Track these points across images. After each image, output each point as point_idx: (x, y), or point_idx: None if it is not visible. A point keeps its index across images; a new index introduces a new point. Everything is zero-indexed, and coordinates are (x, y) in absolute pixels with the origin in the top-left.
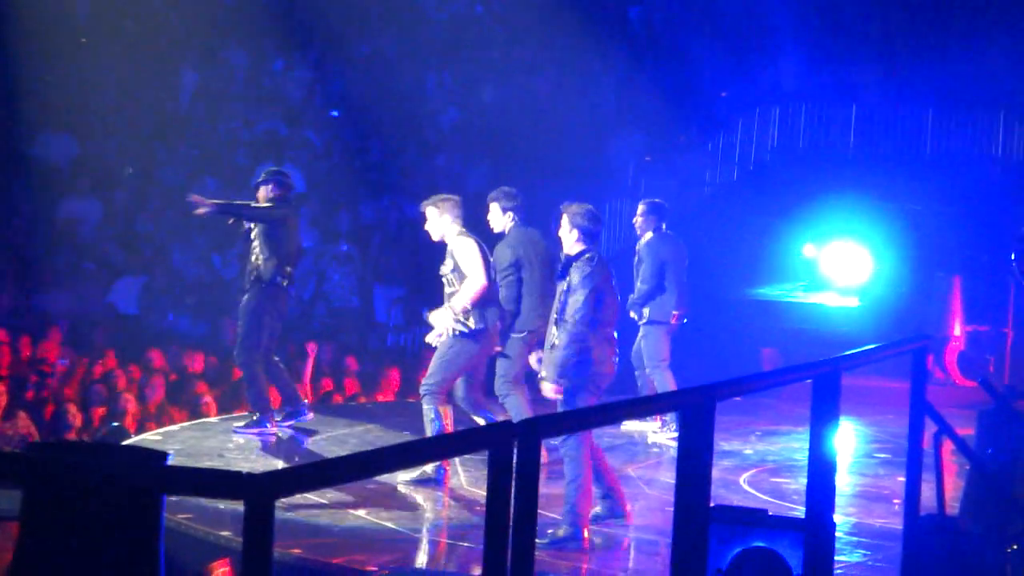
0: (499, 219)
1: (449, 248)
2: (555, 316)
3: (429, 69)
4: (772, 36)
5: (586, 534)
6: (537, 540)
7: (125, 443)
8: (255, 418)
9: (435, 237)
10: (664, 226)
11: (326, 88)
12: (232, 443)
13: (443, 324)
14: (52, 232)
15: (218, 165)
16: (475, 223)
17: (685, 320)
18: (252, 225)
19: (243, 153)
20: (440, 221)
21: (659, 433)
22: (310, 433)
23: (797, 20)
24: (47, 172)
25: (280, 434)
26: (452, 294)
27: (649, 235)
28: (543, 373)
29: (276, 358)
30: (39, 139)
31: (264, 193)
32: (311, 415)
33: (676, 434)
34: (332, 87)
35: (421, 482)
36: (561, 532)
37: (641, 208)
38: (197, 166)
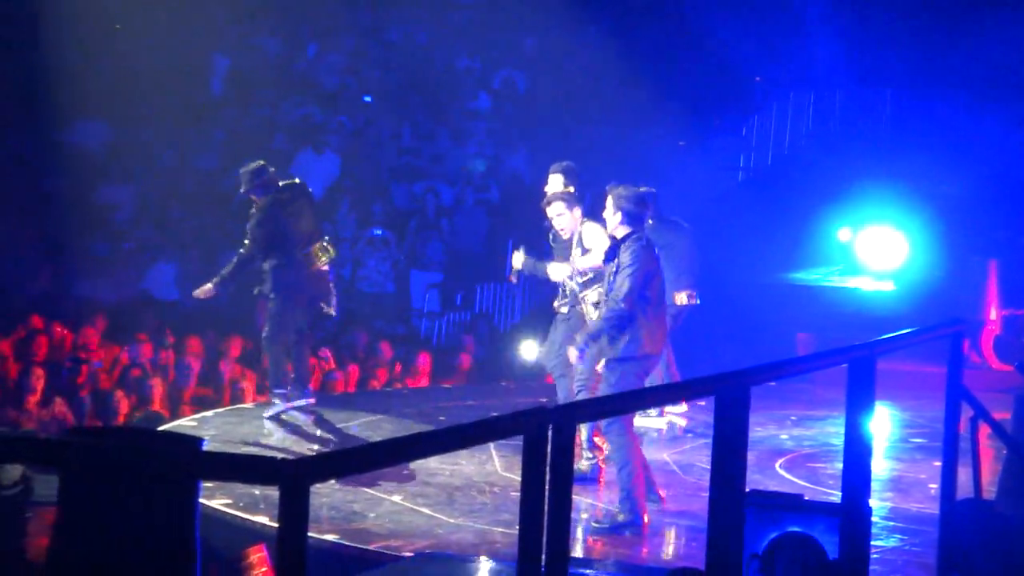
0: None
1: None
2: (602, 297)
3: (461, 55)
4: (806, 20)
5: (646, 519)
6: (596, 524)
7: (160, 429)
8: (277, 399)
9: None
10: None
11: (359, 74)
12: (267, 429)
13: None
14: (87, 218)
15: (253, 150)
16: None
17: (697, 301)
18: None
19: (280, 139)
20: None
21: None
22: (344, 419)
23: (831, 4)
24: (81, 158)
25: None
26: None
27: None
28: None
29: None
30: (73, 126)
31: (257, 200)
32: (313, 401)
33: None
34: (365, 73)
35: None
36: (620, 518)
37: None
38: (231, 151)
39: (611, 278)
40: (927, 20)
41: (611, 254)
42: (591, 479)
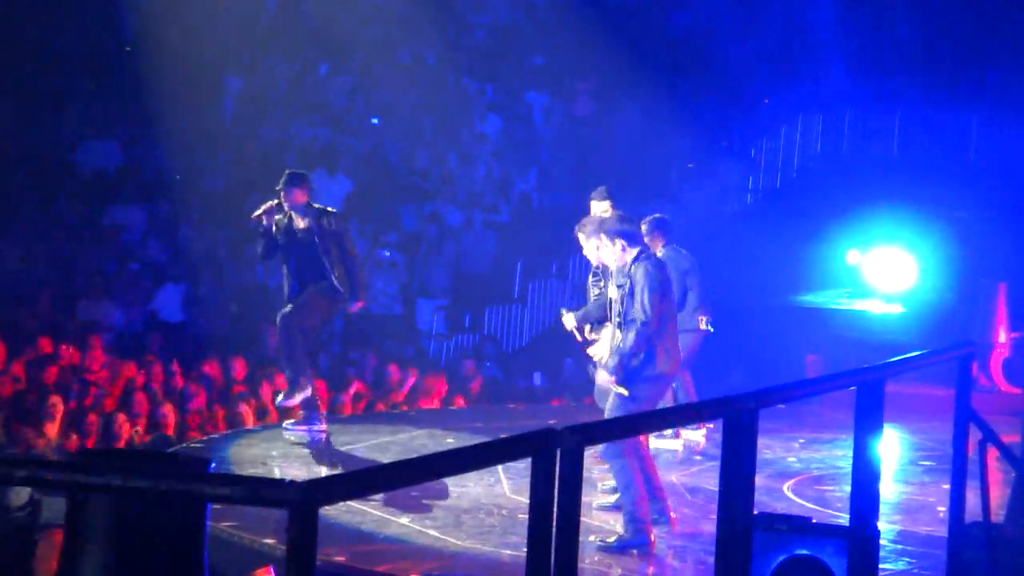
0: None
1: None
2: (618, 320)
3: (471, 77)
4: (815, 42)
5: (652, 537)
6: (603, 543)
7: (168, 451)
8: (307, 415)
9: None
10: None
11: (368, 95)
12: (275, 451)
13: None
14: (96, 239)
15: (265, 171)
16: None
17: (711, 328)
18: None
19: (291, 160)
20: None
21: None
22: (351, 441)
23: (840, 26)
24: (92, 180)
25: (291, 438)
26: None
27: (661, 250)
28: (601, 361)
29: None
30: (84, 147)
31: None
32: (324, 427)
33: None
34: (374, 94)
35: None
36: (626, 536)
37: (644, 228)
38: (241, 173)
39: (623, 301)
40: (937, 42)
41: (627, 275)
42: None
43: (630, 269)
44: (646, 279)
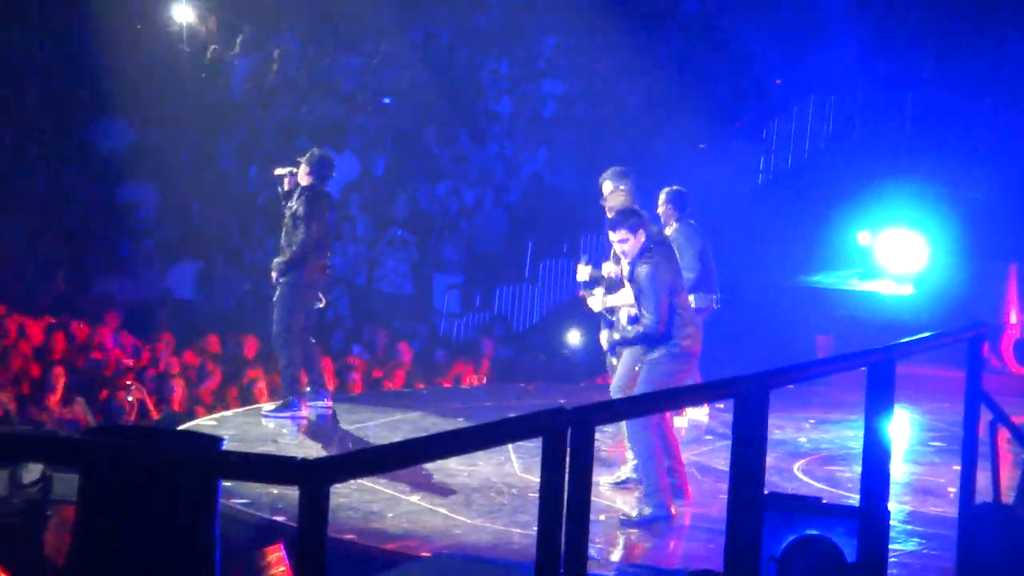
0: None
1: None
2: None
3: (483, 56)
4: (827, 23)
5: (673, 510)
6: (624, 518)
7: (180, 428)
8: (287, 401)
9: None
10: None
11: (379, 75)
12: (286, 428)
13: None
14: (109, 217)
15: (276, 150)
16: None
17: (717, 306)
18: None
19: (303, 139)
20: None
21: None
22: (362, 419)
23: (852, 7)
24: (104, 158)
25: (310, 417)
26: None
27: (674, 224)
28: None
29: (313, 340)
30: (96, 126)
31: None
32: (330, 403)
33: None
34: (385, 74)
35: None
36: (647, 511)
37: (662, 198)
38: (252, 152)
39: (636, 293)
40: (949, 21)
41: (631, 273)
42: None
43: (635, 266)
44: (650, 283)
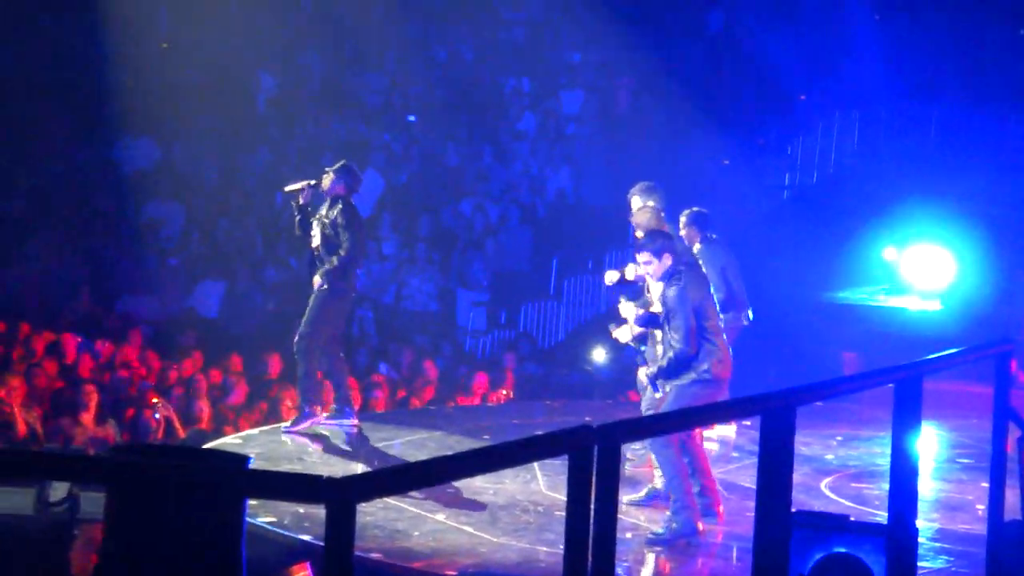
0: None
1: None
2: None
3: (507, 73)
4: (852, 38)
5: (700, 526)
6: (653, 535)
7: (206, 447)
8: (301, 411)
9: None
10: (711, 234)
11: (404, 92)
12: (312, 447)
13: None
14: (134, 235)
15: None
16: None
17: (747, 322)
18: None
19: (328, 157)
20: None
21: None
22: (388, 437)
23: (877, 22)
24: (129, 175)
25: (327, 433)
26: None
27: (698, 245)
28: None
29: (342, 355)
30: (121, 143)
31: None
32: (356, 421)
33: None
34: (410, 91)
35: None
36: (674, 527)
37: (683, 220)
38: (277, 169)
39: (664, 317)
40: (974, 36)
41: (661, 295)
42: (665, 495)
43: (665, 289)
44: (678, 304)
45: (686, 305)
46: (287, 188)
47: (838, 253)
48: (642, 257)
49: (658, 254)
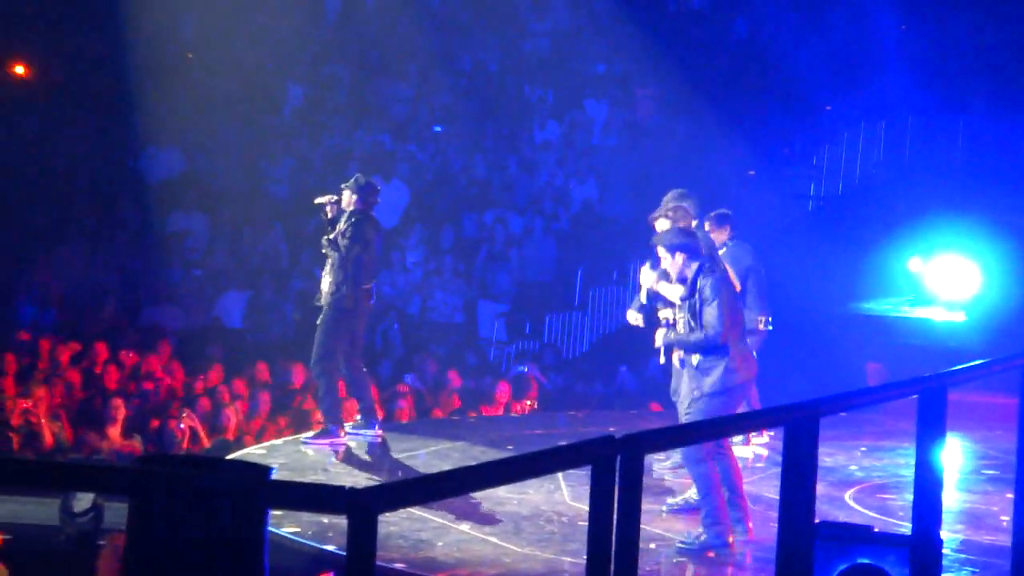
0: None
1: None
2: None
3: (531, 84)
4: (878, 49)
5: (731, 539)
6: (682, 545)
7: (229, 457)
8: (326, 428)
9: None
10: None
11: (429, 103)
12: (335, 457)
13: None
14: (159, 246)
15: (325, 179)
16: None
17: (771, 327)
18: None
19: (353, 168)
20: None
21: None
22: (411, 447)
23: (904, 33)
24: (154, 186)
25: (350, 443)
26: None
27: (726, 245)
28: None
29: (364, 368)
30: (146, 153)
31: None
32: (380, 432)
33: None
34: (435, 101)
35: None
36: (703, 538)
37: (708, 224)
38: (303, 180)
39: (692, 310)
40: (1000, 47)
41: (691, 289)
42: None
43: (697, 282)
44: (715, 294)
45: (721, 294)
46: (316, 201)
47: (863, 264)
48: (660, 251)
49: (672, 251)
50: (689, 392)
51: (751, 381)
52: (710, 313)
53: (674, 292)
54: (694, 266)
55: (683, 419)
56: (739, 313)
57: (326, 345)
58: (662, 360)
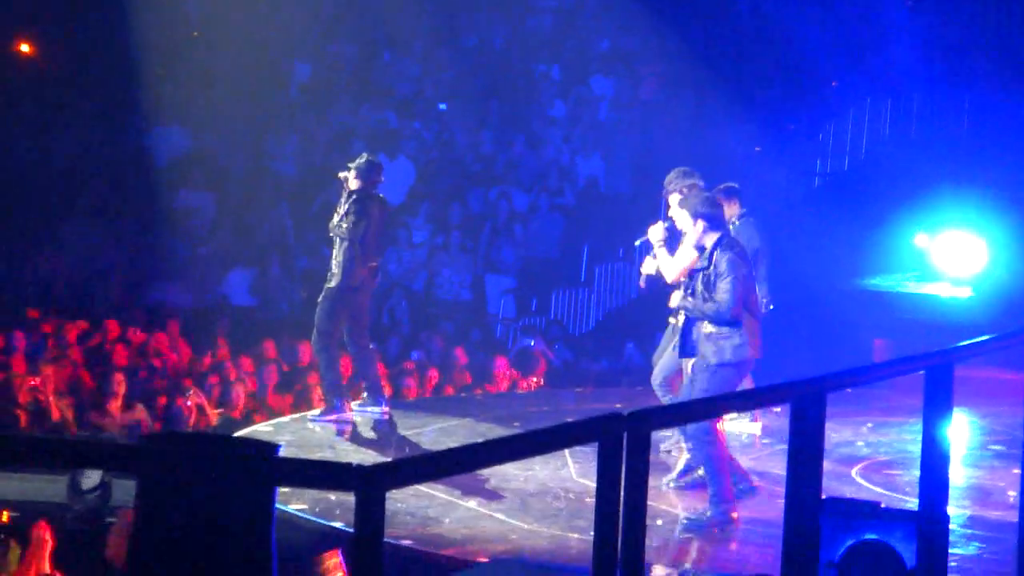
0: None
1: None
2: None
3: (537, 60)
4: (884, 24)
5: (734, 515)
6: (687, 520)
7: (237, 434)
8: (331, 405)
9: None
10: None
11: (435, 80)
12: (342, 434)
13: None
14: (166, 223)
15: (330, 156)
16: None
17: (772, 307)
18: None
19: (359, 145)
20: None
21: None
22: (419, 424)
23: (909, 8)
24: (161, 164)
25: (357, 420)
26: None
27: (736, 222)
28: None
29: (371, 345)
30: (153, 132)
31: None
32: (387, 409)
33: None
34: (441, 79)
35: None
36: (709, 514)
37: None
38: (309, 158)
39: (705, 282)
40: (1006, 21)
41: (708, 260)
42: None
43: (714, 255)
44: (731, 270)
45: (738, 270)
46: (340, 175)
47: (869, 240)
48: (680, 215)
49: (694, 216)
50: (698, 359)
51: (754, 360)
52: (723, 288)
53: (669, 265)
54: (714, 236)
55: (686, 385)
56: (753, 291)
57: (326, 322)
58: (642, 284)
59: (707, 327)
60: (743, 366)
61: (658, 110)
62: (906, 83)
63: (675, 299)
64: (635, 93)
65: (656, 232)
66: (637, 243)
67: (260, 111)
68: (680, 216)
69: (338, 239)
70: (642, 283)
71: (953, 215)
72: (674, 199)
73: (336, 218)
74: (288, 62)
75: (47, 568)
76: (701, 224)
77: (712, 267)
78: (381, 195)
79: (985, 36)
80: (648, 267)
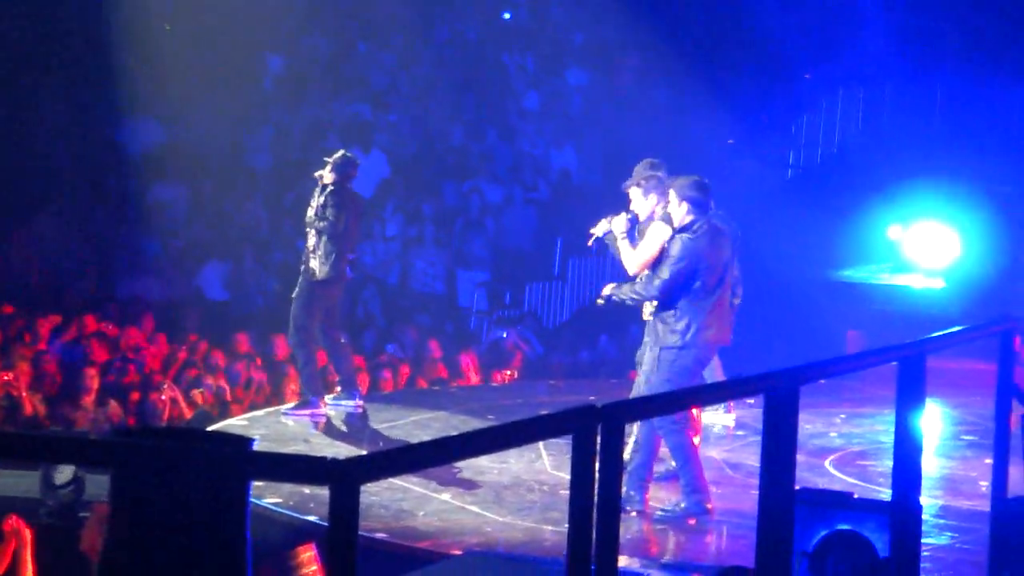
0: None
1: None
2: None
3: (511, 52)
4: (856, 16)
5: (710, 506)
6: (661, 512)
7: (210, 428)
8: (305, 399)
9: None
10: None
11: (409, 72)
12: (316, 428)
13: None
14: (139, 217)
15: (306, 149)
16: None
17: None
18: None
19: (332, 138)
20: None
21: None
22: (393, 418)
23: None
24: (134, 157)
25: (331, 414)
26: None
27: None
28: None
29: (343, 339)
30: (126, 125)
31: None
32: (361, 403)
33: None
34: (415, 71)
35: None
36: (683, 505)
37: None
38: (283, 150)
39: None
40: (980, 13)
41: (669, 242)
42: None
43: (671, 237)
44: (679, 255)
45: (682, 259)
46: (317, 174)
47: (842, 231)
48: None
49: (646, 192)
50: (650, 347)
51: (719, 345)
52: (662, 269)
53: (631, 258)
54: (688, 220)
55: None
56: (714, 277)
57: (302, 316)
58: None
59: (646, 310)
60: (698, 350)
61: (631, 102)
62: (878, 74)
63: (608, 289)
64: (609, 85)
65: (619, 224)
66: (591, 241)
67: (234, 104)
68: (641, 207)
69: (315, 232)
70: (600, 301)
71: (926, 206)
72: (634, 192)
73: (311, 211)
74: (261, 55)
75: (28, 564)
76: (685, 207)
77: (665, 250)
78: (355, 190)
79: (956, 27)
80: (599, 228)
